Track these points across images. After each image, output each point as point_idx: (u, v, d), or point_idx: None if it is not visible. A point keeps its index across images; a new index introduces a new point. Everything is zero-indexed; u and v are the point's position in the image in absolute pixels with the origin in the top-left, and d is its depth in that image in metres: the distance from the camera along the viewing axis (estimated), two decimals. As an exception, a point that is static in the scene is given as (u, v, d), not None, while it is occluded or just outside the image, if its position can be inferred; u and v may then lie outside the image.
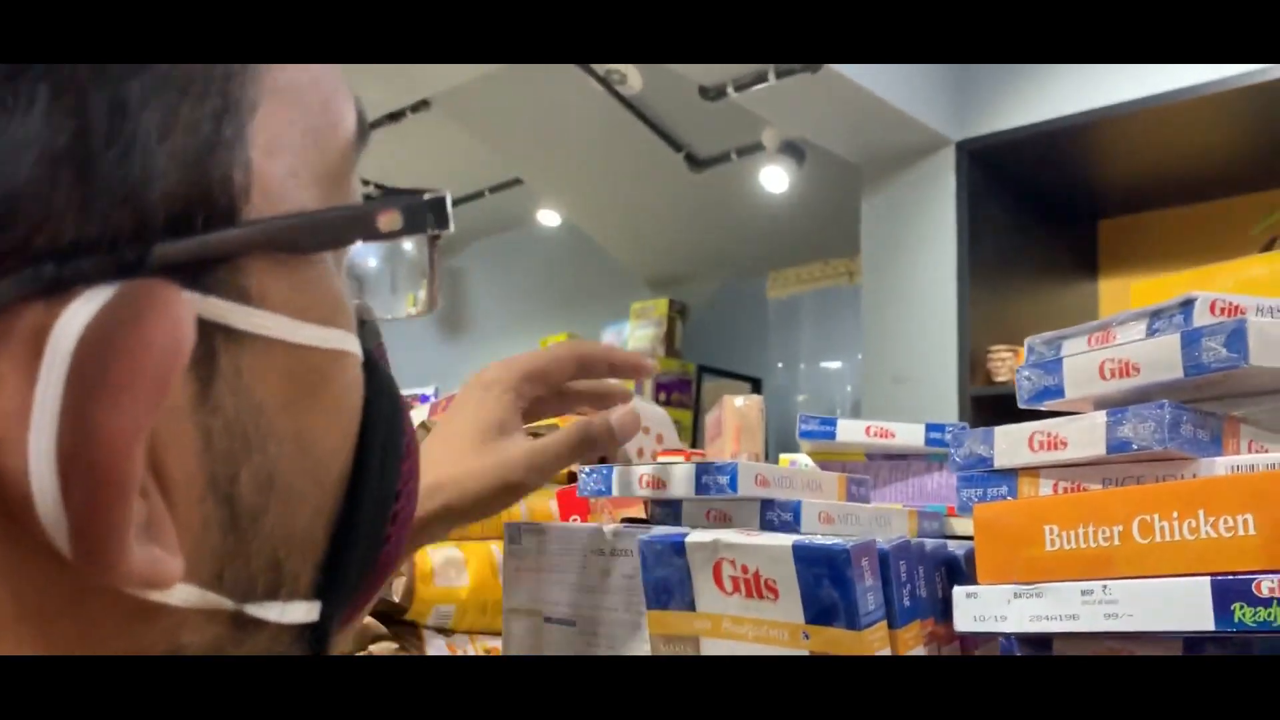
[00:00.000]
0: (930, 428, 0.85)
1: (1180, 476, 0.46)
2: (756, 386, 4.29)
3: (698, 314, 4.53)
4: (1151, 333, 0.50)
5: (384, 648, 0.72)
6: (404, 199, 0.31)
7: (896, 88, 2.74)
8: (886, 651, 0.47)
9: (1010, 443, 0.52)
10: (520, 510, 0.84)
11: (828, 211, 3.69)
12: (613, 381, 0.69)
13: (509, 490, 0.57)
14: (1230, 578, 0.39)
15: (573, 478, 1.00)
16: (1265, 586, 0.38)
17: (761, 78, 2.61)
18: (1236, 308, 0.47)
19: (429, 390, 5.59)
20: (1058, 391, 0.52)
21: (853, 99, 2.69)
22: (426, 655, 0.75)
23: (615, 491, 0.65)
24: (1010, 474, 0.52)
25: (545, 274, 5.09)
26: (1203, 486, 0.42)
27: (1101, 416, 0.48)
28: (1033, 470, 0.51)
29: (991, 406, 2.79)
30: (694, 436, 3.88)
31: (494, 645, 0.81)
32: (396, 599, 0.72)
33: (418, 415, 1.50)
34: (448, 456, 0.58)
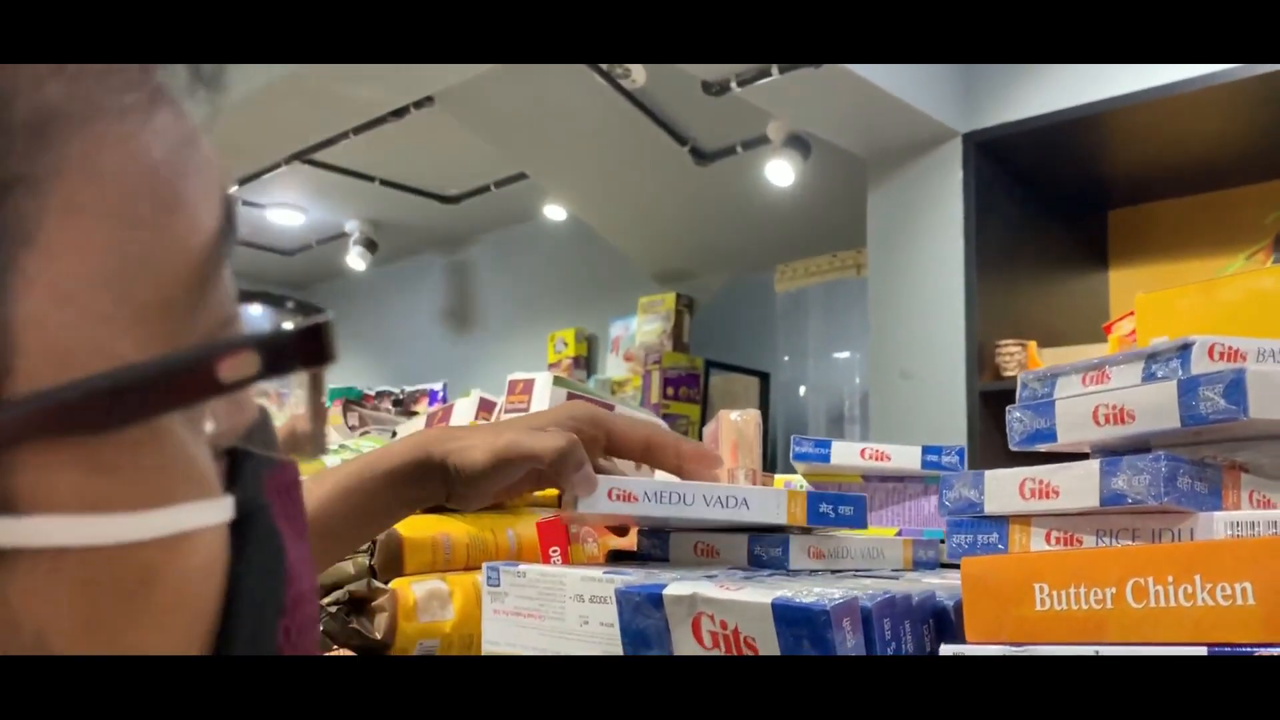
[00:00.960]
0: (927, 450, 0.83)
1: (1177, 531, 0.44)
2: (764, 380, 4.27)
3: (705, 308, 4.51)
4: (1148, 377, 0.47)
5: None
6: (263, 337, 0.25)
7: (901, 80, 2.70)
8: (870, 715, 0.45)
9: (1001, 489, 0.50)
10: (509, 540, 0.82)
11: (835, 204, 3.66)
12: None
13: (496, 463, 0.61)
14: (1228, 649, 0.37)
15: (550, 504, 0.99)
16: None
17: (765, 73, 2.58)
18: (1236, 352, 0.44)
19: (438, 386, 5.61)
20: (1049, 435, 0.50)
21: (857, 92, 2.66)
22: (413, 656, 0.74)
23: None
24: (1001, 520, 0.50)
25: (552, 269, 5.07)
26: (1199, 550, 0.40)
27: (1095, 466, 0.46)
28: (1024, 518, 0.49)
29: (1000, 402, 2.76)
30: (700, 432, 3.86)
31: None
32: (379, 636, 0.70)
33: (416, 424, 1.49)
34: (488, 429, 0.64)
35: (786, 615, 0.45)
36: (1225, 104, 2.56)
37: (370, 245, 5.36)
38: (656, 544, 0.73)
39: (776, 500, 0.67)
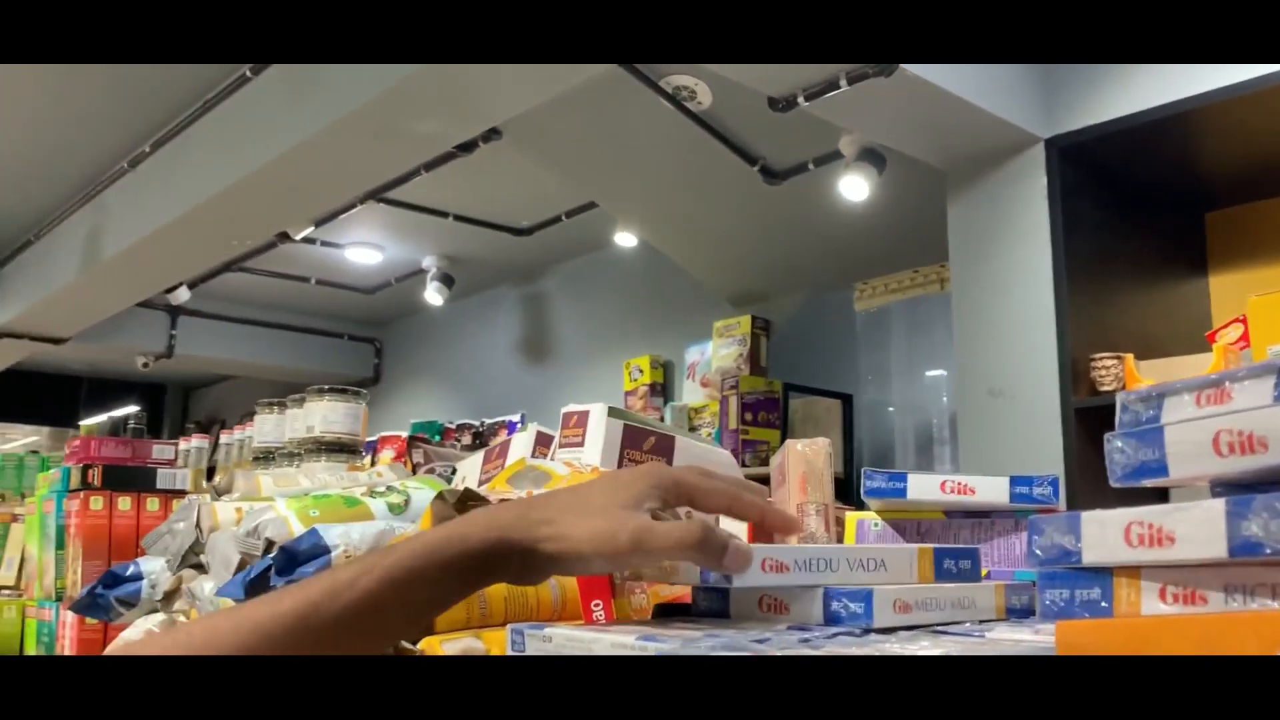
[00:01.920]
0: (1016, 481, 0.74)
1: (1330, 587, 0.36)
2: (847, 402, 4.15)
3: (782, 330, 4.41)
4: None
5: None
6: None
7: (977, 86, 2.59)
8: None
9: (1102, 535, 0.41)
10: (551, 593, 0.75)
11: (914, 218, 3.55)
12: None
13: (610, 557, 0.58)
14: None
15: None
16: None
17: (833, 85, 2.50)
18: None
19: (516, 416, 5.63)
20: (1159, 469, 0.41)
21: (931, 101, 2.56)
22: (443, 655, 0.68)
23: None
24: (1104, 573, 0.42)
25: (626, 296, 5.03)
26: (1365, 617, 0.32)
27: (1220, 507, 0.37)
28: (1133, 570, 0.41)
29: (1097, 419, 2.61)
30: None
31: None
32: (409, 701, 0.64)
33: (475, 461, 1.44)
34: (571, 505, 0.60)
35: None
36: (1331, 93, 2.40)
37: (447, 280, 5.39)
38: (714, 597, 0.66)
39: (909, 559, 0.66)
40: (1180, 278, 3.07)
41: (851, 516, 0.82)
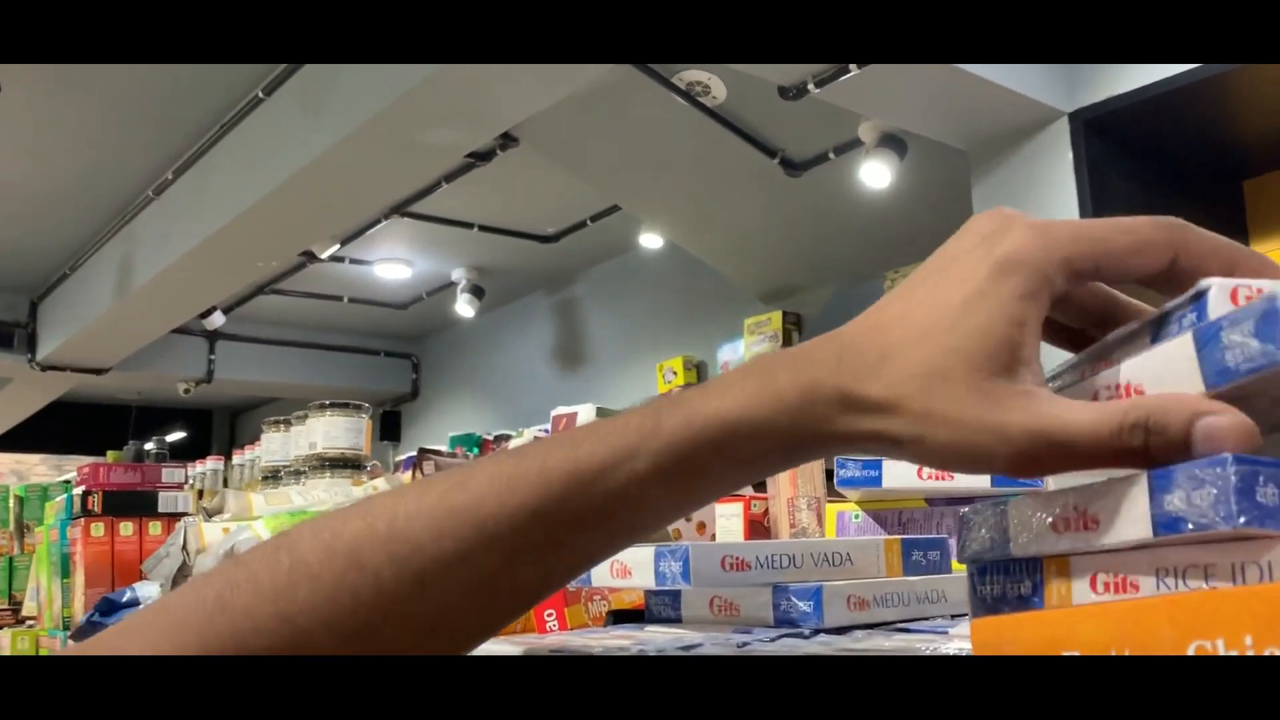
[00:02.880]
0: (995, 465, 0.69)
1: (1265, 565, 0.31)
2: (883, 394, 4.08)
3: (814, 324, 4.34)
4: (1156, 338, 0.35)
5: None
6: None
7: (995, 63, 2.53)
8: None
9: (1028, 523, 0.37)
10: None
11: (940, 202, 3.47)
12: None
13: (982, 467, 0.34)
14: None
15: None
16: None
17: (843, 70, 2.45)
18: (1264, 294, 0.31)
19: (549, 426, 5.54)
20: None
21: (946, 80, 2.50)
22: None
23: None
24: (1034, 564, 0.37)
25: (655, 298, 4.99)
26: (1288, 601, 0.27)
27: (1142, 482, 0.33)
28: (1062, 559, 0.36)
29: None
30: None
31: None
32: None
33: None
34: (911, 362, 0.34)
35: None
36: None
37: (477, 292, 5.39)
38: (666, 602, 0.62)
39: (876, 551, 0.63)
40: (1219, 248, 2.97)
41: (832, 508, 0.78)
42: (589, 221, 4.63)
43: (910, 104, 2.65)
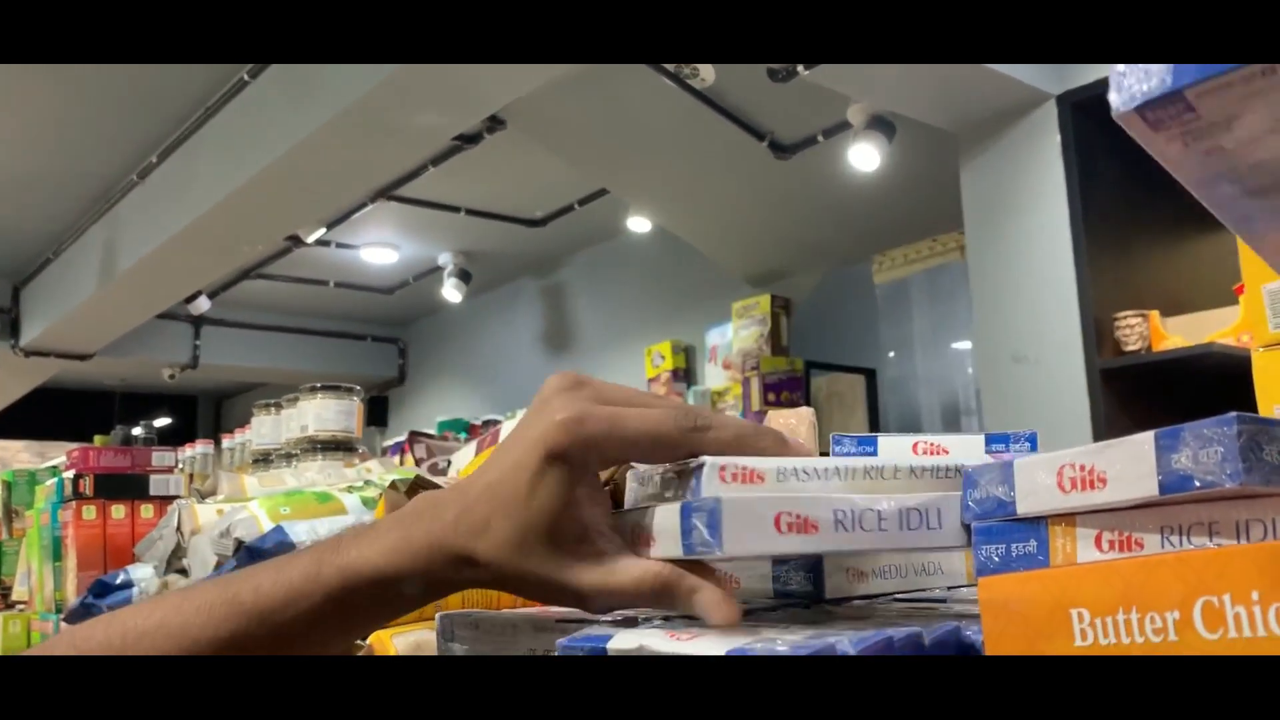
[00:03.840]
0: (991, 440, 0.69)
1: (1271, 523, 0.31)
2: (870, 377, 4.09)
3: (802, 307, 4.35)
4: (666, 497, 0.35)
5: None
6: None
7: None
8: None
9: (1034, 482, 0.38)
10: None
11: (928, 185, 3.48)
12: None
13: (569, 605, 0.45)
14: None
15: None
16: None
17: (831, 52, 2.44)
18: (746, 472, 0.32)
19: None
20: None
21: (936, 64, 2.50)
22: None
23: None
24: (1039, 523, 0.38)
25: (643, 282, 4.99)
26: (1296, 553, 0.27)
27: (1149, 440, 0.33)
28: (1067, 518, 0.37)
29: (1125, 380, 2.54)
30: (806, 436, 3.72)
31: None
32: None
33: (467, 452, 1.41)
34: (503, 534, 0.43)
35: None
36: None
37: (464, 276, 5.38)
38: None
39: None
40: (1207, 229, 2.97)
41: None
42: (576, 205, 4.62)
43: (899, 87, 2.65)
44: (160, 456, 1.64)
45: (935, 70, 2.53)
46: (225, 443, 1.95)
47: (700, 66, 3.18)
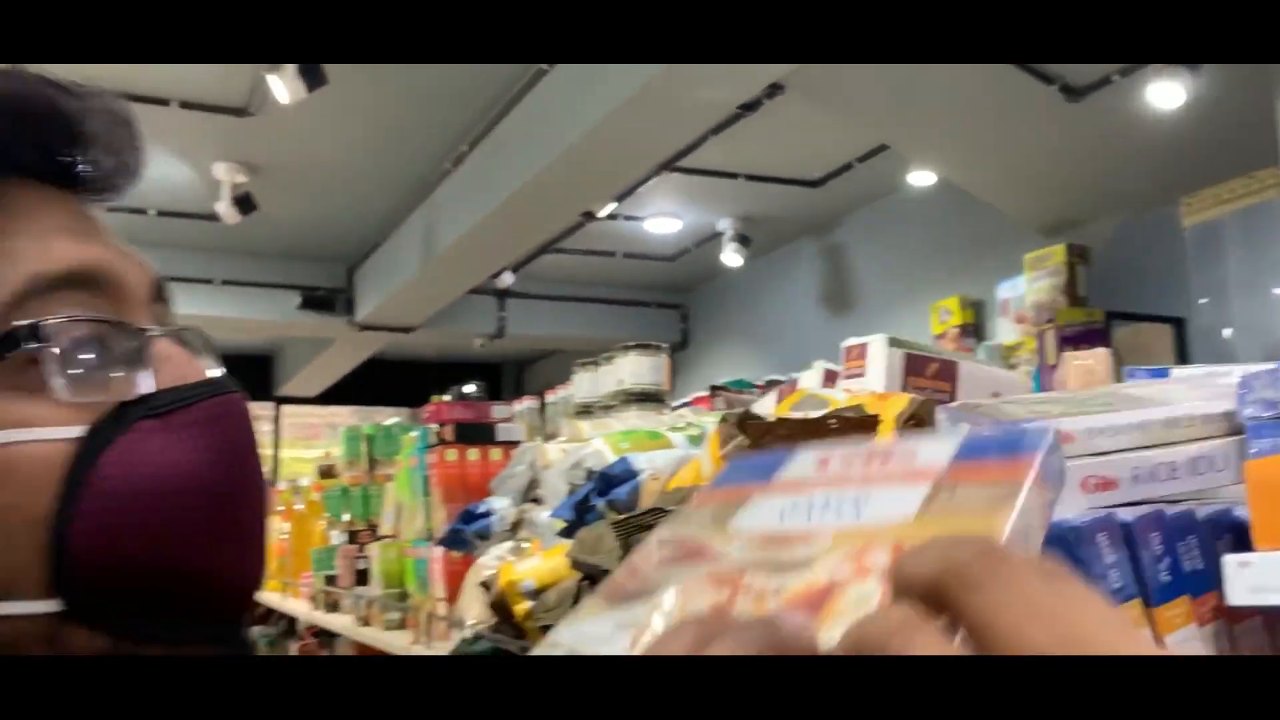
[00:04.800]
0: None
1: None
2: (1178, 326, 3.86)
3: (1100, 256, 4.15)
4: None
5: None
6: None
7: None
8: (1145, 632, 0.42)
9: (1302, 384, 0.44)
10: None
11: (1239, 119, 3.23)
12: None
13: None
14: None
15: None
16: None
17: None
18: None
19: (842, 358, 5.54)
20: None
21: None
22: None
23: None
24: (1309, 420, 0.44)
25: (927, 237, 4.92)
26: None
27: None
28: (1333, 414, 0.43)
29: None
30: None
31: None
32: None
33: (768, 402, 1.53)
34: None
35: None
36: None
37: (744, 240, 5.52)
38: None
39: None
40: None
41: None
42: (855, 163, 4.63)
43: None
44: (498, 410, 1.89)
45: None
46: (549, 398, 2.19)
47: (982, 14, 3.12)
